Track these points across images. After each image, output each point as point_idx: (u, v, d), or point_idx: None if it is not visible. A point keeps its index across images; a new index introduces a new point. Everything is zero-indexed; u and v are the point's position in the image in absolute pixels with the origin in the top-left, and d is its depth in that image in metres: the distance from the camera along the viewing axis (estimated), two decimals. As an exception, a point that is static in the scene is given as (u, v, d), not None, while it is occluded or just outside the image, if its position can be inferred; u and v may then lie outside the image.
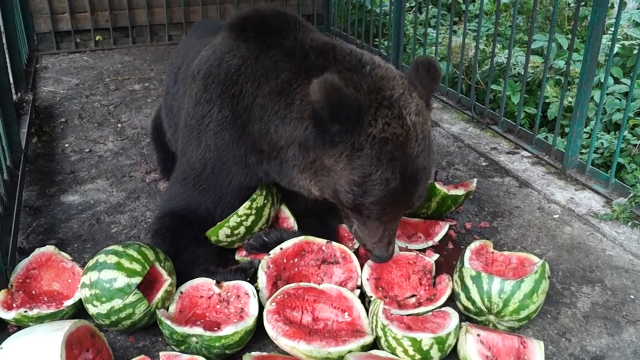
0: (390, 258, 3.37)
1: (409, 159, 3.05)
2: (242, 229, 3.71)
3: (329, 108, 2.91)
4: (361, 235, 3.39)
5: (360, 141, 3.01)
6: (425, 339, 2.97)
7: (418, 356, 2.99)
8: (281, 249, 3.51)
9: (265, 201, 3.76)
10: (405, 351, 2.98)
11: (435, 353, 3.00)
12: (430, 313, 3.31)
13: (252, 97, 3.47)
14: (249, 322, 3.10)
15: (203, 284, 3.38)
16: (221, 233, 3.69)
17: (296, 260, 3.53)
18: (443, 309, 3.32)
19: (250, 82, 3.49)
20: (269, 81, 3.41)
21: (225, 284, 3.35)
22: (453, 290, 3.46)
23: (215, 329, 3.05)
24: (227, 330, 3.02)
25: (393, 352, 3.02)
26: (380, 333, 3.06)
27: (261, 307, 3.23)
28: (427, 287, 3.54)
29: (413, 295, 3.51)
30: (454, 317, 3.15)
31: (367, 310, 3.27)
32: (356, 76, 3.16)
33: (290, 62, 3.39)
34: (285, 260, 3.50)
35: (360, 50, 3.43)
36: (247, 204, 3.67)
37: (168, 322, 3.03)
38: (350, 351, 2.94)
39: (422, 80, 3.32)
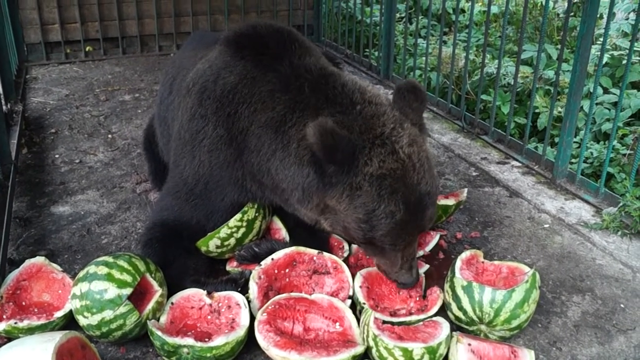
0: (415, 282, 3.45)
1: (410, 189, 3.14)
2: (232, 241, 3.71)
3: (324, 150, 3.03)
4: (383, 267, 3.47)
5: (357, 181, 3.12)
6: (417, 348, 2.97)
7: (409, 366, 2.99)
8: (272, 259, 3.51)
9: (257, 214, 3.76)
10: (396, 361, 2.99)
11: (426, 363, 3.01)
12: (422, 323, 3.31)
13: (248, 122, 3.51)
14: (240, 332, 3.09)
15: (194, 294, 3.38)
16: (211, 244, 3.69)
17: (287, 270, 3.53)
18: (434, 318, 3.32)
19: (246, 105, 3.52)
20: (265, 110, 3.45)
21: (216, 294, 3.35)
22: (444, 300, 3.47)
23: (207, 339, 3.05)
24: (218, 341, 3.01)
25: (384, 362, 3.02)
26: (371, 343, 3.06)
27: (252, 318, 3.23)
28: (416, 300, 3.54)
29: (403, 308, 3.51)
30: (445, 327, 3.15)
31: (358, 320, 3.27)
32: (347, 118, 3.24)
33: (285, 94, 3.43)
34: (276, 271, 3.50)
35: (352, 84, 3.46)
36: (238, 216, 3.67)
37: (159, 333, 3.03)
38: (341, 361, 2.94)
39: (410, 105, 3.40)
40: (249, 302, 3.32)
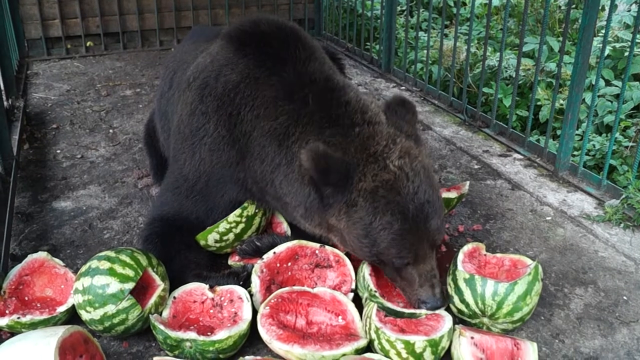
0: (442, 304, 3.27)
1: (406, 198, 3.12)
2: (231, 236, 3.71)
3: (318, 174, 3.10)
4: (404, 289, 3.34)
5: (353, 197, 3.15)
6: (419, 341, 2.97)
7: (411, 359, 2.99)
8: (274, 253, 3.51)
9: (257, 210, 3.75)
10: (399, 354, 2.98)
11: (428, 356, 3.00)
12: (424, 316, 3.31)
13: (251, 126, 3.52)
14: (243, 326, 3.09)
15: (196, 288, 3.38)
16: (210, 238, 3.69)
17: (289, 264, 3.53)
18: (437, 311, 3.31)
19: (249, 108, 3.53)
20: (268, 118, 3.47)
21: (218, 288, 3.35)
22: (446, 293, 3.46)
23: (209, 333, 3.05)
24: (220, 335, 3.01)
25: (386, 355, 3.02)
26: (373, 335, 3.07)
27: (255, 312, 3.23)
28: None
29: (399, 302, 3.49)
30: (447, 320, 3.15)
31: (360, 312, 3.27)
32: (346, 140, 3.26)
33: (288, 104, 3.44)
34: (278, 265, 3.50)
35: (355, 103, 3.45)
36: (237, 211, 3.67)
37: (162, 327, 3.03)
38: (344, 354, 2.93)
39: (403, 117, 3.44)
40: (251, 295, 3.32)
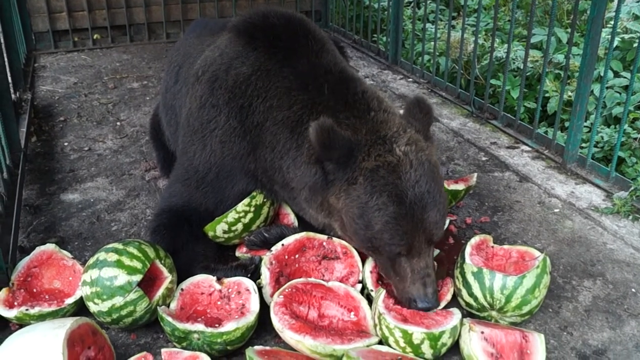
0: (433, 304, 3.20)
1: (406, 184, 3.10)
2: (239, 226, 3.71)
3: (321, 148, 3.10)
4: (397, 286, 3.26)
5: (354, 175, 3.14)
6: (417, 332, 2.97)
7: (409, 349, 3.00)
8: (283, 245, 3.50)
9: (265, 199, 3.75)
10: (397, 342, 3.00)
11: (427, 349, 3.00)
12: (434, 310, 3.29)
13: (263, 117, 3.52)
14: (250, 318, 3.10)
15: (204, 280, 3.38)
16: (218, 228, 3.69)
17: (297, 256, 3.53)
18: (449, 309, 3.28)
19: (261, 99, 3.53)
20: (281, 108, 3.48)
21: (225, 280, 3.35)
22: (454, 287, 3.45)
23: (217, 325, 3.06)
24: (228, 327, 3.02)
25: (386, 341, 3.05)
26: (376, 321, 3.09)
27: (262, 303, 3.24)
28: None
29: None
30: (455, 318, 3.12)
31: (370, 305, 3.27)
32: (360, 121, 3.29)
33: (303, 93, 3.46)
34: (286, 257, 3.50)
35: (371, 92, 3.51)
36: (246, 200, 3.67)
37: (169, 319, 3.03)
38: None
39: (415, 116, 3.44)
40: (260, 288, 3.33)
